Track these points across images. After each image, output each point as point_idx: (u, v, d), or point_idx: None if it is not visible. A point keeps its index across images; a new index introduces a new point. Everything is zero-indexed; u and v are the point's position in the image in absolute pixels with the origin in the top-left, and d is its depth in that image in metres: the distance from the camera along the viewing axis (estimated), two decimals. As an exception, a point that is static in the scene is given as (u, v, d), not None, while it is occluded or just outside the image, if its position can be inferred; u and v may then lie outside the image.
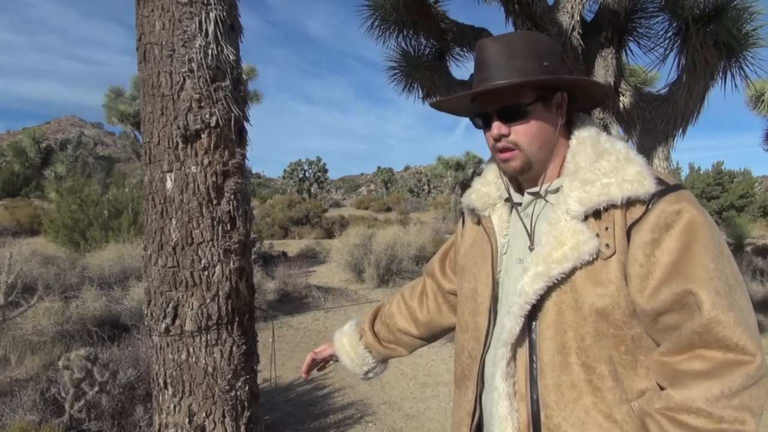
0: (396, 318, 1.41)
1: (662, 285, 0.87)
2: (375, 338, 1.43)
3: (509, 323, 0.99)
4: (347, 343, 1.46)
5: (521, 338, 1.00)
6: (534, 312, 0.98)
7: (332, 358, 1.52)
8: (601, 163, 0.96)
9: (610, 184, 0.92)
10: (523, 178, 1.08)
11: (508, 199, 1.12)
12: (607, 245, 0.92)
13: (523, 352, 1.00)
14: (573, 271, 0.93)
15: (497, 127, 1.00)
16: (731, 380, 0.81)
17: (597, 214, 0.94)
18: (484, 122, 1.05)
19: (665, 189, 0.91)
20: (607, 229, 0.92)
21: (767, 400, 0.83)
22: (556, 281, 0.94)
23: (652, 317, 0.90)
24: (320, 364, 1.55)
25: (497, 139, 1.01)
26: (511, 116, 1.00)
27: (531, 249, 1.02)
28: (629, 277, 0.91)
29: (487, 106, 1.02)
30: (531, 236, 1.04)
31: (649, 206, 0.90)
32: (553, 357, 0.95)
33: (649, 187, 0.90)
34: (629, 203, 0.92)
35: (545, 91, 1.00)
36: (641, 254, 0.89)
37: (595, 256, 0.92)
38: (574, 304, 0.94)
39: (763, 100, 8.59)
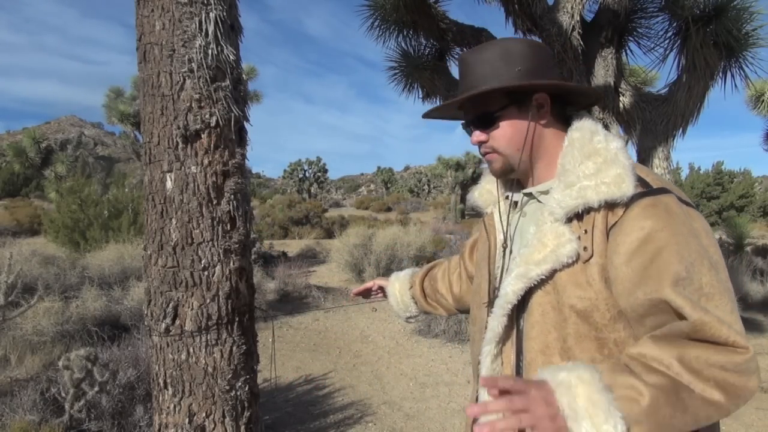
0: (439, 283, 1.53)
1: (637, 289, 0.86)
2: (422, 293, 1.56)
3: (492, 322, 1.02)
4: (398, 288, 1.60)
5: (507, 336, 1.02)
6: (521, 310, 0.99)
7: (381, 292, 1.67)
8: (586, 165, 0.95)
9: (588, 187, 0.91)
10: (511, 179, 1.10)
11: (507, 198, 1.14)
12: (585, 248, 0.92)
13: (509, 350, 1.02)
14: (553, 273, 0.94)
15: (476, 135, 1.06)
16: (712, 354, 0.79)
17: (579, 216, 0.94)
18: (468, 130, 1.10)
19: (645, 192, 0.90)
20: (586, 232, 0.92)
21: (744, 398, 0.80)
22: (536, 283, 0.95)
23: (636, 319, 0.89)
24: (373, 293, 1.69)
25: (477, 146, 1.07)
26: (484, 123, 1.04)
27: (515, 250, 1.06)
28: (610, 280, 0.90)
29: (467, 115, 1.08)
30: (509, 239, 1.08)
31: (627, 209, 0.89)
32: (536, 356, 0.96)
33: (626, 189, 0.89)
34: (609, 206, 0.91)
35: (519, 96, 1.01)
36: (617, 258, 0.88)
37: (574, 259, 0.92)
38: (557, 305, 0.94)
39: (763, 100, 8.59)
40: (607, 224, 0.91)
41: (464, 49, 5.22)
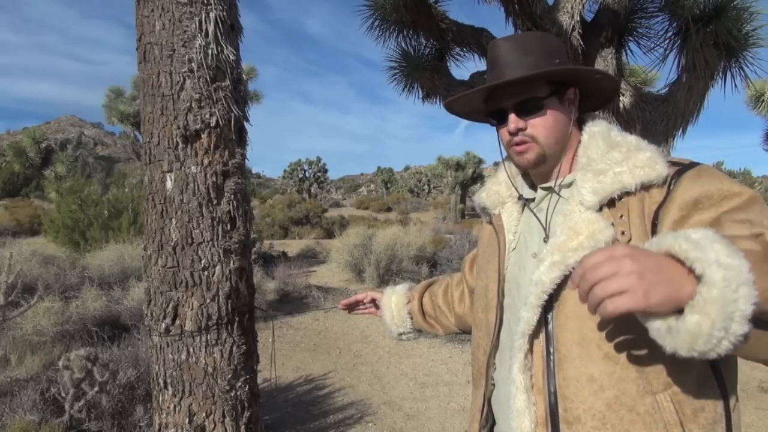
0: (440, 299, 1.48)
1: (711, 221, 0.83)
2: (420, 309, 1.50)
3: (526, 314, 0.98)
4: (394, 302, 1.52)
5: (537, 330, 0.98)
6: (549, 303, 0.97)
7: (374, 306, 1.58)
8: (612, 154, 0.96)
9: (623, 172, 0.92)
10: (536, 173, 1.09)
11: (521, 197, 1.13)
12: (623, 233, 0.91)
13: (539, 344, 0.98)
14: None
15: (514, 121, 1.02)
16: None
17: (611, 203, 0.94)
18: (499, 118, 1.06)
19: (682, 168, 0.91)
20: (621, 216, 0.92)
21: None
22: (572, 270, 0.92)
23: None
24: (363, 307, 1.59)
25: (514, 133, 1.03)
26: (528, 110, 1.01)
27: (546, 241, 1.02)
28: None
29: (503, 101, 1.04)
30: (546, 229, 1.04)
31: (671, 186, 0.89)
32: (571, 348, 0.93)
33: (661, 170, 0.90)
34: (645, 189, 0.91)
35: (558, 86, 1.02)
36: (676, 227, 0.87)
37: (611, 245, 0.90)
38: None
39: (763, 100, 8.59)
40: (645, 208, 0.90)
41: (464, 49, 5.23)
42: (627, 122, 4.64)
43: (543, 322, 0.98)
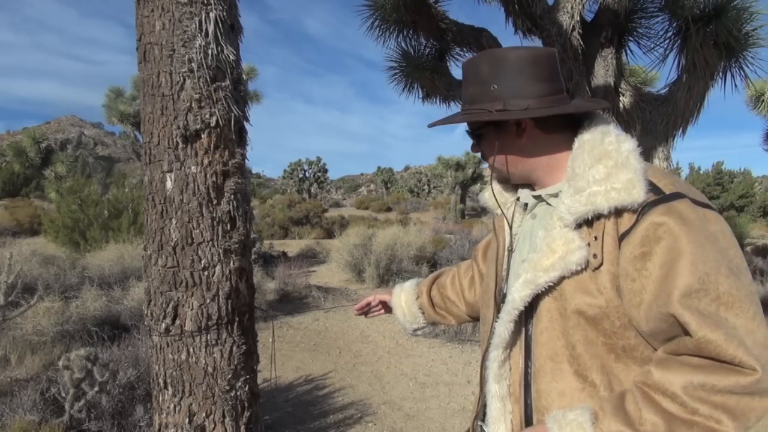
0: (448, 290, 1.47)
1: (653, 301, 0.84)
2: (429, 302, 1.50)
3: (499, 327, 1.01)
4: (404, 300, 1.52)
5: (515, 341, 1.01)
6: (530, 316, 0.98)
7: (385, 306, 1.57)
8: (597, 168, 0.91)
9: (598, 193, 0.88)
10: (514, 184, 1.12)
11: (518, 200, 1.14)
12: (595, 255, 0.89)
13: (518, 355, 1.01)
14: (561, 279, 0.92)
15: (473, 146, 1.09)
16: (718, 379, 0.77)
17: (589, 222, 0.91)
18: None
19: (658, 199, 0.86)
20: (596, 238, 0.90)
21: (755, 419, 0.77)
22: (543, 289, 0.94)
23: (648, 332, 0.87)
24: (374, 308, 1.59)
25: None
26: (474, 138, 1.08)
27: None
28: (622, 290, 0.88)
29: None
30: (522, 239, 1.08)
31: (639, 217, 0.86)
32: (544, 363, 0.95)
33: (636, 196, 0.86)
34: (619, 212, 0.88)
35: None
36: (632, 268, 0.86)
37: (583, 266, 0.90)
38: (564, 312, 0.93)
39: (763, 100, 8.58)
40: (618, 231, 0.88)
41: (464, 49, 5.23)
42: (627, 122, 4.64)
43: (523, 334, 1.00)
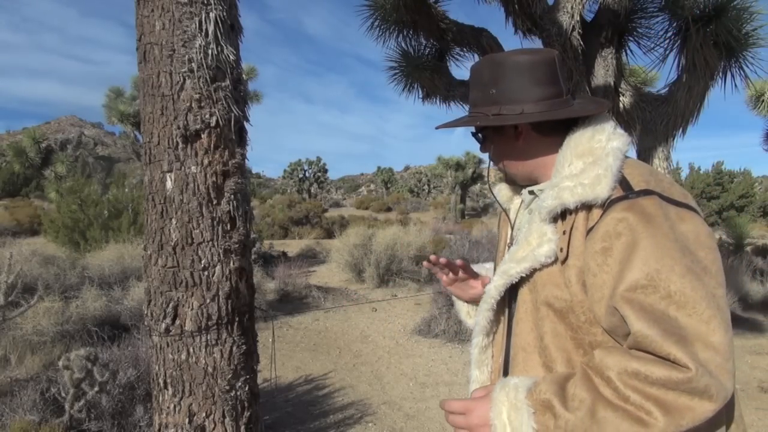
0: None
1: (607, 294, 0.84)
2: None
3: (478, 315, 1.07)
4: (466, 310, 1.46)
5: (497, 329, 1.07)
6: (512, 305, 1.03)
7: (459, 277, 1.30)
8: (575, 164, 0.93)
9: (566, 188, 0.90)
10: (519, 183, 1.13)
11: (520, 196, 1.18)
12: (561, 249, 0.91)
13: (500, 342, 1.06)
14: (533, 271, 0.95)
15: (481, 147, 1.12)
16: (652, 370, 0.76)
17: (563, 217, 0.93)
18: None
19: (624, 195, 0.86)
20: (564, 233, 0.92)
21: (690, 420, 0.75)
22: (516, 280, 0.97)
23: (608, 327, 0.87)
24: (453, 272, 1.28)
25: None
26: (479, 140, 1.11)
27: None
28: (587, 286, 0.88)
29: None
30: (513, 232, 1.13)
31: (603, 213, 0.86)
32: (517, 352, 0.99)
33: (600, 192, 0.87)
34: (589, 208, 0.89)
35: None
36: (594, 263, 0.86)
37: (552, 259, 0.92)
38: (535, 303, 0.96)
39: (763, 100, 8.58)
40: (587, 226, 0.89)
41: (464, 49, 5.23)
42: (627, 122, 4.65)
43: (504, 322, 1.05)
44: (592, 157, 0.93)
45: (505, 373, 1.02)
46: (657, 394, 0.75)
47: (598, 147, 0.94)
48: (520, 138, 1.02)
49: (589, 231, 0.88)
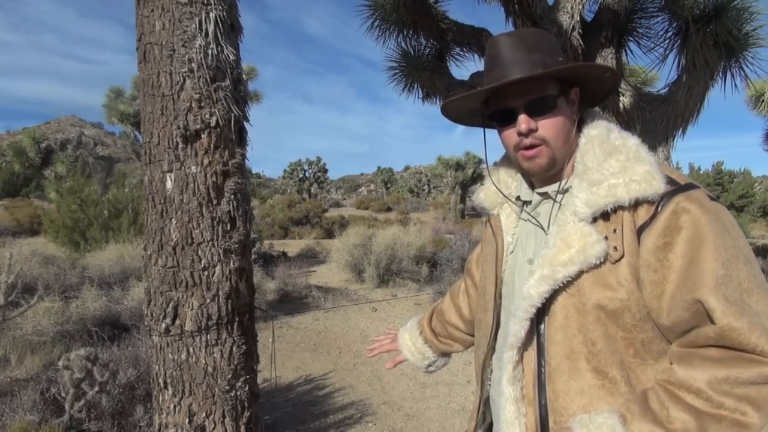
0: (447, 314, 1.44)
1: (677, 290, 0.83)
2: (432, 333, 1.47)
3: (514, 326, 0.98)
4: (408, 338, 1.49)
5: (528, 341, 0.98)
6: (542, 314, 0.96)
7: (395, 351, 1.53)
8: (609, 162, 0.92)
9: (618, 185, 0.89)
10: (545, 177, 1.03)
11: (518, 199, 1.10)
12: (616, 248, 0.89)
13: (530, 356, 0.98)
14: (580, 274, 0.91)
15: (525, 121, 0.95)
16: (741, 372, 0.77)
17: (605, 215, 0.91)
18: (503, 120, 1.00)
19: (675, 189, 0.87)
20: (615, 231, 0.89)
21: None
22: (561, 284, 0.92)
23: (667, 324, 0.87)
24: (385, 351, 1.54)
25: (525, 135, 0.96)
26: (539, 110, 0.96)
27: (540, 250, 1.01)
28: (643, 282, 0.87)
29: (510, 101, 0.97)
30: (546, 231, 1.02)
31: (659, 208, 0.86)
32: (561, 361, 0.93)
33: (657, 187, 0.87)
34: (637, 204, 0.88)
35: (564, 86, 0.98)
36: (654, 259, 0.85)
37: (603, 260, 0.89)
38: (582, 308, 0.91)
39: (763, 100, 8.58)
40: (636, 223, 0.88)
41: (464, 49, 5.23)
42: (627, 122, 4.64)
43: (535, 333, 0.98)
44: (623, 155, 0.92)
45: (540, 385, 0.96)
46: (747, 393, 0.77)
47: (620, 144, 0.94)
48: (575, 112, 1.00)
49: (642, 227, 0.87)
